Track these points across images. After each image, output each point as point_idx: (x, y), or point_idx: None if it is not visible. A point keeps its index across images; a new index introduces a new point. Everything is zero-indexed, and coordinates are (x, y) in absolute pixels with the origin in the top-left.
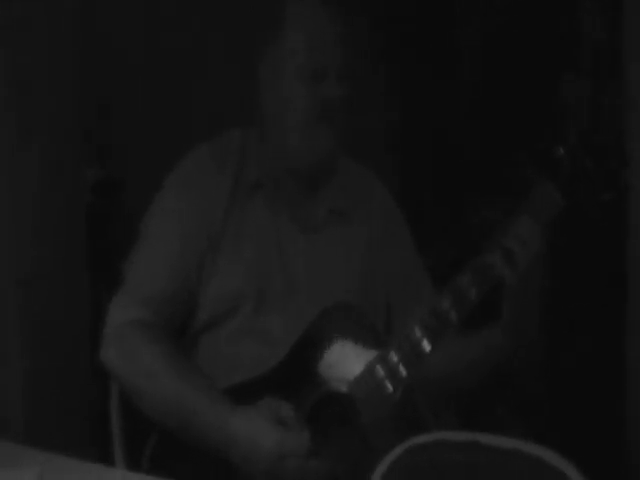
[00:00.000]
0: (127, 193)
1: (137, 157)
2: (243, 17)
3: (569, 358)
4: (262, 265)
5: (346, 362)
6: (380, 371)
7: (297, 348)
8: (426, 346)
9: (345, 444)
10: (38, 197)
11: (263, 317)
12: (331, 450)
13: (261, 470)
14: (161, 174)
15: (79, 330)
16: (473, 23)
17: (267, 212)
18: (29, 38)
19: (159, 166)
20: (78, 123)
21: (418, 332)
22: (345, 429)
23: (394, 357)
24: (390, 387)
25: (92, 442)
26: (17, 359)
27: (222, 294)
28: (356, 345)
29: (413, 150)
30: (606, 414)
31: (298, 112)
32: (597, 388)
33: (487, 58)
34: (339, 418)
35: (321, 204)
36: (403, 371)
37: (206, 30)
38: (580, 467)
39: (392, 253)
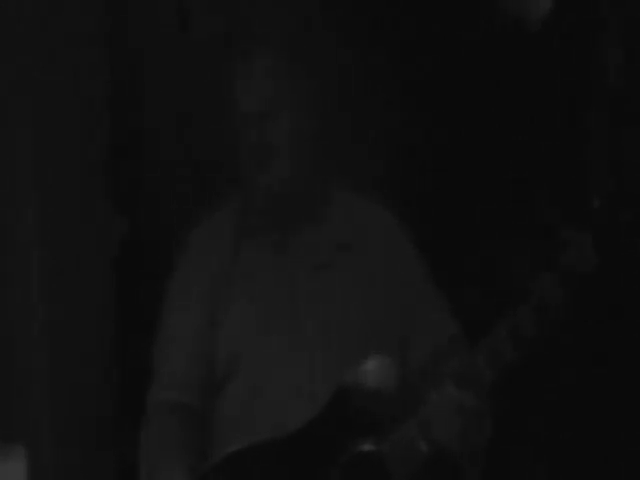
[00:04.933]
0: (153, 246)
1: (164, 209)
2: None
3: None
4: (273, 311)
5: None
6: (413, 430)
7: (326, 409)
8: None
9: None
10: (66, 248)
11: (279, 367)
12: None
13: None
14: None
15: (105, 381)
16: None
17: (274, 256)
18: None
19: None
20: (105, 174)
21: (452, 388)
22: None
23: (427, 414)
24: (424, 447)
25: None
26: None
27: (234, 341)
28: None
29: (436, 192)
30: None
31: (246, 155)
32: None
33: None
34: (369, 477)
35: (327, 240)
36: (438, 430)
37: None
38: None
39: (403, 285)
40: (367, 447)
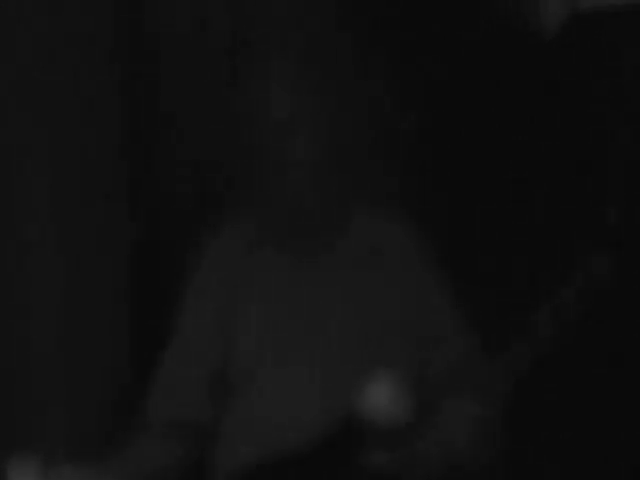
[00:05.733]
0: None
1: (178, 211)
2: None
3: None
4: (288, 318)
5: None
6: (427, 441)
7: (337, 427)
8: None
9: None
10: (79, 250)
11: (295, 373)
12: None
13: None
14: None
15: (121, 391)
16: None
17: (289, 266)
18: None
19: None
20: (118, 174)
21: (465, 399)
22: None
23: (441, 425)
24: (439, 458)
25: None
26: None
27: (250, 353)
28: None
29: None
30: None
31: (266, 165)
32: None
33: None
34: None
35: (343, 251)
36: (451, 441)
37: None
38: None
39: (419, 295)
40: (381, 459)
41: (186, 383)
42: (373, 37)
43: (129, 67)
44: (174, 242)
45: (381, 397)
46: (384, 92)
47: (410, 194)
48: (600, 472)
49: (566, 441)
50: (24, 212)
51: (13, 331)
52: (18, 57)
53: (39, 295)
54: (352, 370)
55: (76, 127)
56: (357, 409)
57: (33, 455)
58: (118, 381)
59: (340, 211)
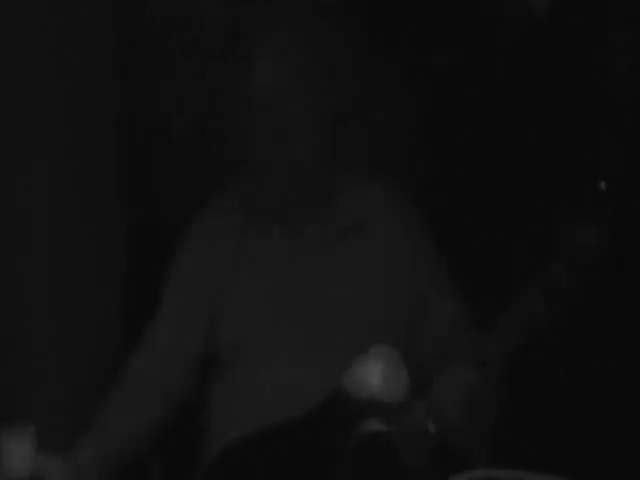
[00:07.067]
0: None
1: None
2: None
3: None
4: (279, 296)
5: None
6: (421, 411)
7: (333, 393)
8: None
9: None
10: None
11: (286, 352)
12: None
13: None
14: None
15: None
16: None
17: (280, 241)
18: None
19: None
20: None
21: (459, 367)
22: (384, 469)
23: (434, 394)
24: (432, 427)
25: None
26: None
27: (239, 326)
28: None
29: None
30: None
31: (257, 139)
32: None
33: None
34: (378, 458)
35: (334, 225)
36: (444, 409)
37: None
38: None
39: (412, 268)
40: (375, 428)
41: (166, 355)
42: (368, 18)
43: (129, 66)
44: (167, 222)
45: (374, 368)
46: (377, 66)
47: (397, 165)
48: (597, 443)
49: (560, 410)
50: (22, 197)
51: (8, 314)
52: (17, 57)
53: (33, 277)
54: (343, 343)
55: (74, 122)
56: (349, 381)
57: (26, 425)
58: (111, 352)
59: (326, 181)
